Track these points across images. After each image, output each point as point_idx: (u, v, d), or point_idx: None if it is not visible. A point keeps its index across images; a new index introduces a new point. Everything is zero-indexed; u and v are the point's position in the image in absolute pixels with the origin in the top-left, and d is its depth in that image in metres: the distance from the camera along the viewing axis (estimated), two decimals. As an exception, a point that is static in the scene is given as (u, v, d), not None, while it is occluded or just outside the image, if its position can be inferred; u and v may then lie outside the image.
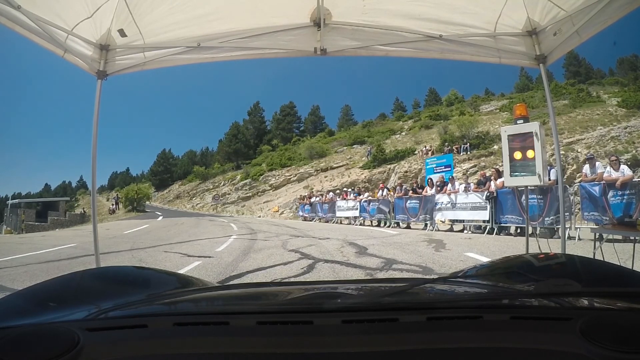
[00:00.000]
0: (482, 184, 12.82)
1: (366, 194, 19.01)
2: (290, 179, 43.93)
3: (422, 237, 10.90)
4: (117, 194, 54.48)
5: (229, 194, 48.92)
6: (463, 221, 13.16)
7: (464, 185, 13.66)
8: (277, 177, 45.54)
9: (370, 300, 1.18)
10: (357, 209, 18.52)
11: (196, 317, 1.09)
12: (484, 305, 1.09)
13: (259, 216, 34.25)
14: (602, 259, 2.19)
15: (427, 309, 1.07)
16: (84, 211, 42.06)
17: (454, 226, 13.77)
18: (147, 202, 45.61)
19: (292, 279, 5.63)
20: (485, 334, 0.93)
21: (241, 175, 52.17)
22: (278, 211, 34.26)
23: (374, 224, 17.55)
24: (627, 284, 1.32)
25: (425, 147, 36.21)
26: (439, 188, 14.31)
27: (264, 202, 40.20)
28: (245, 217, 31.57)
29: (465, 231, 12.86)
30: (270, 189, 44.06)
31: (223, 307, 1.25)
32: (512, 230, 11.49)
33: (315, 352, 0.89)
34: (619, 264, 1.71)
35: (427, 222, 14.16)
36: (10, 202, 40.07)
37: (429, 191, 14.69)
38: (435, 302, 1.16)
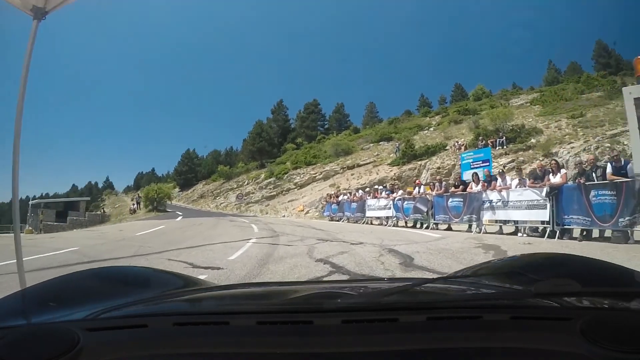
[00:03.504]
0: (538, 178, 10.90)
1: (400, 192, 17.22)
2: (315, 177, 42.44)
3: (473, 242, 9.19)
4: (138, 194, 54.23)
5: (252, 193, 47.82)
6: (516, 222, 11.32)
7: (516, 180, 11.81)
8: (302, 176, 44.12)
9: (370, 300, 1.19)
10: (390, 208, 16.75)
11: (196, 317, 1.09)
12: (484, 305, 1.09)
13: (283, 216, 32.86)
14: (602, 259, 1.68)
15: (427, 309, 1.08)
16: (104, 211, 41.64)
17: (503, 227, 11.94)
18: (169, 202, 44.65)
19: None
20: (485, 334, 0.94)
21: (265, 173, 51.01)
22: (303, 210, 32.80)
23: (408, 225, 15.81)
24: (627, 284, 1.32)
25: (457, 141, 34.13)
26: (486, 184, 12.46)
27: (288, 201, 38.84)
28: (268, 217, 30.18)
29: (520, 234, 11.02)
30: (294, 188, 42.67)
31: (223, 307, 1.24)
32: (576, 233, 9.61)
33: (315, 352, 0.90)
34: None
35: (474, 222, 12.32)
36: (31, 202, 40.15)
37: (474, 187, 12.86)
38: (435, 302, 1.16)
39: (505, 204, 11.47)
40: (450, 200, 13.40)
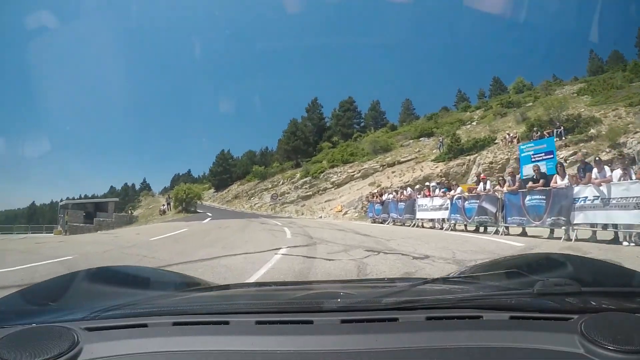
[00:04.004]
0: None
1: (458, 189, 14.55)
2: (353, 175, 40.10)
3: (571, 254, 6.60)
4: (168, 195, 53.53)
5: (288, 193, 46.01)
6: (616, 226, 8.70)
7: (618, 170, 9.13)
8: (339, 174, 41.87)
9: (370, 300, 1.20)
10: (447, 208, 14.17)
11: (196, 316, 1.10)
12: (484, 305, 1.09)
13: (320, 217, 30.71)
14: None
15: (426, 309, 1.08)
16: (132, 212, 40.64)
17: (596, 233, 9.28)
18: (200, 202, 43.07)
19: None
20: (485, 334, 0.95)
21: (301, 173, 49.11)
22: (341, 211, 30.57)
23: (469, 229, 13.30)
24: (627, 283, 1.31)
25: (509, 134, 31.03)
26: (579, 177, 9.80)
27: (325, 201, 36.71)
28: (304, 219, 28.13)
29: (625, 242, 8.36)
30: (332, 187, 40.48)
31: (223, 306, 1.23)
32: None
33: (314, 351, 0.90)
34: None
35: (561, 226, 9.68)
36: (60, 203, 39.95)
37: (559, 181, 10.23)
38: (435, 302, 1.15)
39: (605, 203, 8.79)
40: (529, 198, 10.78)
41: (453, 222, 13.95)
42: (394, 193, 19.68)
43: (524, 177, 14.26)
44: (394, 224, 18.31)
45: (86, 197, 75.61)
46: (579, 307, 1.06)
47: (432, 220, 15.71)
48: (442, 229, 14.44)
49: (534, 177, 11.47)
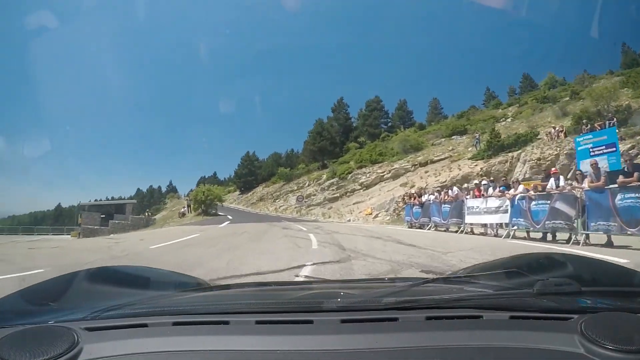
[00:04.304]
0: None
1: (520, 187, 11.94)
2: (383, 176, 37.75)
3: None
4: (188, 197, 52.29)
5: (314, 194, 43.99)
6: None
7: None
8: (367, 175, 39.58)
9: (370, 300, 1.20)
10: (506, 210, 11.69)
11: (196, 316, 1.10)
12: (484, 305, 1.09)
13: (348, 220, 28.55)
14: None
15: (426, 309, 1.08)
16: (149, 214, 39.26)
17: None
18: (221, 204, 41.10)
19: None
20: (485, 334, 0.95)
21: (327, 174, 47.05)
22: (371, 214, 28.31)
23: (532, 236, 10.92)
24: (627, 283, 1.31)
25: (554, 127, 28.29)
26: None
27: (353, 204, 34.50)
28: (331, 223, 25.95)
29: None
30: (360, 189, 38.22)
31: (223, 306, 1.23)
32: None
33: (314, 351, 0.90)
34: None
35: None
36: (78, 205, 39.17)
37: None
38: (435, 301, 1.14)
39: None
40: (620, 197, 8.34)
41: (514, 227, 11.45)
42: (436, 194, 17.16)
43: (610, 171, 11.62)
44: (435, 229, 15.96)
45: (112, 198, 75.88)
46: (579, 307, 1.07)
47: (484, 225, 13.32)
48: (496, 235, 12.08)
49: (626, 169, 8.98)
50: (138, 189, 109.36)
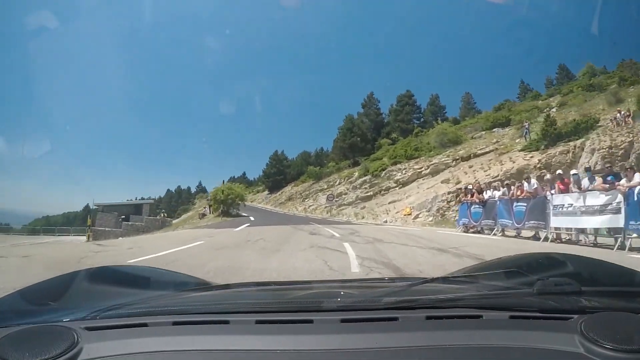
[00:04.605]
0: None
1: (636, 175, 8.54)
2: (420, 172, 34.47)
3: None
4: (208, 197, 50.26)
5: (345, 193, 41.08)
6: None
7: None
8: (403, 171, 36.34)
9: (370, 300, 1.21)
10: (618, 210, 8.37)
11: (196, 316, 1.10)
12: (484, 305, 1.09)
13: (385, 221, 25.53)
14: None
15: (426, 308, 1.08)
16: (164, 215, 36.97)
17: None
18: (243, 204, 38.10)
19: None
20: (485, 333, 0.95)
21: (359, 171, 44.02)
22: (411, 214, 25.19)
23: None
24: (627, 283, 1.31)
25: (621, 112, 25.02)
26: None
27: (389, 203, 31.37)
28: (366, 224, 23.03)
29: None
30: (395, 186, 35.02)
31: (223, 306, 1.23)
32: None
33: (315, 350, 0.90)
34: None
35: None
36: (93, 206, 37.54)
37: None
38: (435, 301, 1.14)
39: None
40: None
41: (632, 234, 8.20)
42: (503, 189, 13.61)
43: None
44: (503, 235, 12.66)
45: (142, 199, 75.34)
46: (579, 307, 1.05)
47: (581, 230, 9.97)
48: (595, 244, 8.93)
49: None
50: (168, 190, 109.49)
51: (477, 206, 14.51)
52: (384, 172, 38.95)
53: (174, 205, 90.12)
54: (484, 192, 14.79)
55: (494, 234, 13.01)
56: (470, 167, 29.66)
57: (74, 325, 0.98)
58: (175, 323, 1.04)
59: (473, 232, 14.37)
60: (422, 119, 68.17)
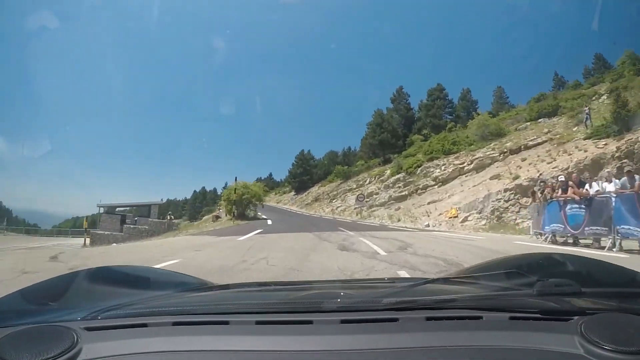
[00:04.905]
0: None
1: None
2: (462, 167, 30.44)
3: None
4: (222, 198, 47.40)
5: (376, 193, 37.39)
6: None
7: None
8: (442, 168, 32.33)
9: (370, 300, 1.20)
10: None
11: (196, 316, 1.09)
12: (484, 306, 1.08)
13: (427, 225, 21.69)
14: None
15: (426, 309, 1.07)
16: (171, 217, 33.40)
17: None
18: (261, 204, 34.16)
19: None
20: (485, 334, 0.94)
21: (391, 169, 40.18)
22: (457, 216, 21.32)
23: None
24: (627, 284, 1.29)
25: None
26: None
27: (428, 203, 27.50)
28: (407, 230, 19.28)
29: None
30: (434, 184, 31.08)
31: (223, 306, 1.22)
32: None
33: (314, 351, 0.90)
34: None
35: None
36: (98, 206, 34.88)
37: None
38: (435, 302, 1.13)
39: None
40: None
41: None
42: (625, 177, 9.18)
43: None
44: (620, 250, 8.56)
45: (168, 200, 73.76)
46: (579, 308, 1.04)
47: None
48: None
49: None
50: (194, 191, 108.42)
51: (577, 206, 10.18)
52: (419, 169, 35.09)
53: (198, 206, 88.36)
54: (590, 185, 10.29)
55: (612, 249, 8.74)
56: (524, 159, 25.47)
57: (74, 326, 0.97)
58: (175, 323, 1.03)
59: (563, 244, 10.43)
60: (454, 114, 63.83)
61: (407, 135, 57.18)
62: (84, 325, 1.00)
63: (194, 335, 0.98)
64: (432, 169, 33.24)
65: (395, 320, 1.02)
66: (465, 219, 20.41)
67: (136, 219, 31.41)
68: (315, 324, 1.01)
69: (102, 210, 34.41)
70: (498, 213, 18.96)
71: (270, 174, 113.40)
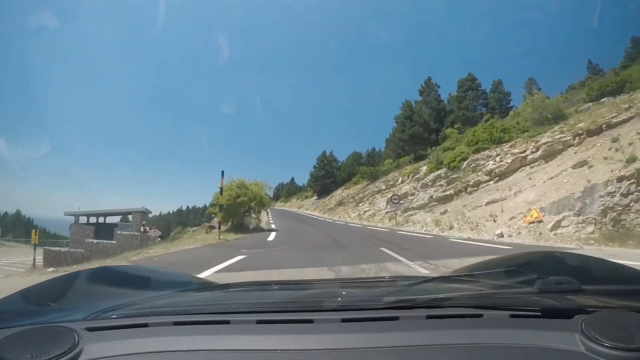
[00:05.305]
0: None
1: None
2: (525, 157, 23.93)
3: None
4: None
5: (412, 194, 31.10)
6: None
7: None
8: (498, 159, 25.83)
9: (370, 299, 1.18)
10: None
11: (196, 316, 1.09)
12: (484, 304, 1.08)
13: (499, 234, 15.24)
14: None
15: (427, 308, 1.07)
16: (145, 230, 26.28)
17: None
18: (266, 210, 27.49)
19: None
20: (486, 332, 0.94)
21: (428, 165, 33.79)
22: (541, 221, 14.93)
23: None
24: (628, 282, 1.29)
25: None
26: None
27: (486, 204, 21.09)
28: (473, 243, 13.10)
29: None
30: (488, 180, 24.56)
31: (223, 306, 1.22)
32: None
33: (315, 350, 0.89)
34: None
35: None
36: (65, 214, 29.42)
37: None
38: (435, 300, 1.12)
39: None
40: None
41: None
42: None
43: None
44: None
45: (179, 209, 68.72)
46: (580, 306, 1.03)
47: None
48: None
49: None
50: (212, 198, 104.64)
51: None
52: (464, 162, 28.66)
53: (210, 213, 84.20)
54: None
55: None
56: (615, 141, 18.85)
57: (75, 326, 0.96)
58: (176, 323, 1.02)
59: None
60: (489, 105, 56.88)
61: (439, 129, 50.90)
62: (84, 325, 0.98)
63: (195, 335, 0.96)
64: (482, 162, 26.77)
65: (395, 318, 1.01)
66: (557, 225, 14.03)
67: (119, 232, 25.71)
68: (316, 323, 1.00)
69: (74, 219, 29.10)
70: (614, 214, 12.56)
71: (292, 179, 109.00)
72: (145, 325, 1.01)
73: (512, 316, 1.02)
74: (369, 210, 35.16)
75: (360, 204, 40.14)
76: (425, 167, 33.74)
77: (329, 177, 68.35)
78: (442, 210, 24.27)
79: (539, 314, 1.02)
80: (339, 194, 55.83)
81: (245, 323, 1.03)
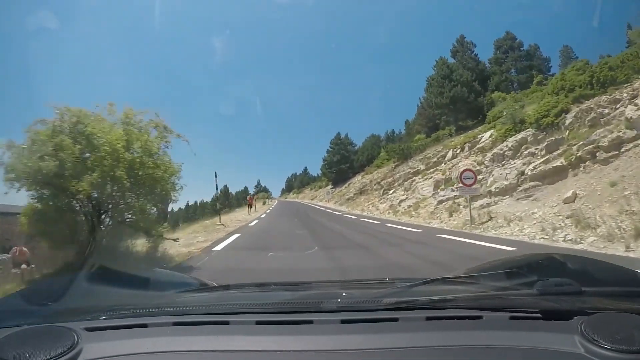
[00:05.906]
0: None
1: None
2: None
3: None
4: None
5: (478, 172, 20.04)
6: None
7: None
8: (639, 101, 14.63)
9: (370, 300, 1.19)
10: None
11: (196, 316, 1.09)
12: (484, 305, 1.07)
13: None
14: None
15: (426, 309, 1.06)
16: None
17: None
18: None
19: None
20: (485, 334, 0.94)
21: (496, 129, 22.67)
22: None
23: None
24: (627, 284, 1.27)
25: None
26: None
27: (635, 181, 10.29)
28: None
29: None
30: (635, 136, 13.46)
31: (223, 307, 1.21)
32: None
33: (315, 351, 0.89)
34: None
35: None
36: None
37: None
38: (435, 302, 1.12)
39: None
40: None
41: None
42: None
43: None
44: None
45: (187, 203, 59.64)
46: (579, 308, 1.02)
47: None
48: None
49: None
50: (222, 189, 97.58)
51: None
52: (567, 116, 17.65)
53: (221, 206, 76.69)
54: None
55: None
56: None
57: (74, 326, 0.95)
58: (175, 324, 1.02)
59: None
60: (532, 69, 45.36)
61: (482, 93, 39.98)
62: (84, 325, 0.98)
63: (195, 335, 0.96)
64: (607, 110, 15.71)
65: (395, 320, 1.00)
66: None
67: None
68: (316, 324, 0.99)
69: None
70: None
71: (306, 169, 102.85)
72: (144, 325, 1.00)
73: (511, 318, 1.00)
74: (407, 198, 24.33)
75: (391, 192, 29.34)
76: (491, 132, 22.68)
77: (345, 162, 58.52)
78: (559, 195, 13.27)
79: (539, 315, 1.00)
80: (358, 180, 45.50)
81: (244, 324, 1.01)
